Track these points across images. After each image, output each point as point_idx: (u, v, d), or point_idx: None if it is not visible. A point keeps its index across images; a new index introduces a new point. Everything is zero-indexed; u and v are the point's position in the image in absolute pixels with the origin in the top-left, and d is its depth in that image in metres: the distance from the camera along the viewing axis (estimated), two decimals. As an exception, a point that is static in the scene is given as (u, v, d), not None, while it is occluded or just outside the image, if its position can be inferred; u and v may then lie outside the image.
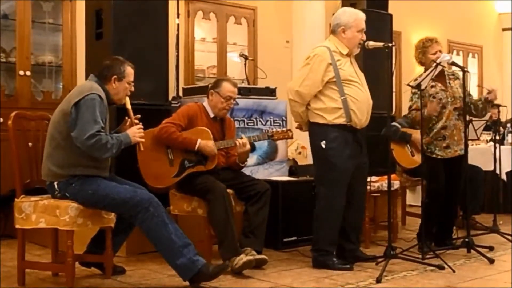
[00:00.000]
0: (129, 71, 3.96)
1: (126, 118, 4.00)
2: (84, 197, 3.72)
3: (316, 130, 4.38)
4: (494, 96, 4.89)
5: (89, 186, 3.73)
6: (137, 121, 3.95)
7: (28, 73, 5.99)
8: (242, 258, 4.11)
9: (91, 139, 3.61)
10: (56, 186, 3.77)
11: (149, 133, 4.44)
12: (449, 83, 4.92)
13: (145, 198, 3.72)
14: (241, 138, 4.54)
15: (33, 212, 3.78)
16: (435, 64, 4.65)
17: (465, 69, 4.79)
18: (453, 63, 4.77)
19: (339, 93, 4.30)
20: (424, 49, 4.98)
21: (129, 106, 3.98)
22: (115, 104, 4.00)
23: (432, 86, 4.89)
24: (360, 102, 4.36)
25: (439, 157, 4.88)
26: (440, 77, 4.88)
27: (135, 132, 3.87)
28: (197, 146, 4.40)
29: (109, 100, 3.88)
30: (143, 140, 3.92)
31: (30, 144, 4.03)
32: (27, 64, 6.02)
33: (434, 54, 4.89)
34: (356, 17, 4.44)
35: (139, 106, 4.80)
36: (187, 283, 3.74)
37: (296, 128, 4.70)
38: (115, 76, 3.89)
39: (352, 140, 4.37)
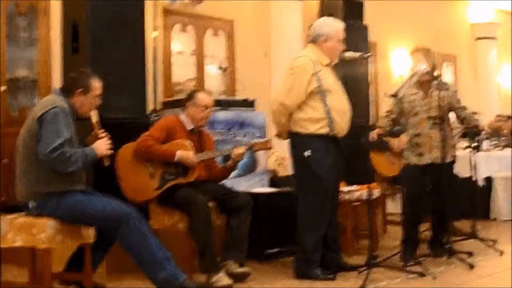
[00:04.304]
0: (95, 85, 3.89)
1: (93, 132, 3.92)
2: (62, 213, 3.66)
3: (298, 140, 4.37)
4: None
5: (66, 202, 3.67)
6: (103, 135, 3.87)
7: (3, 88, 5.91)
8: (222, 280, 4.09)
9: (54, 152, 3.55)
10: (31, 205, 3.70)
11: (128, 147, 4.41)
12: (431, 92, 4.90)
13: (125, 212, 3.68)
14: (237, 147, 4.53)
15: (9, 230, 3.70)
16: (411, 74, 4.72)
17: (440, 79, 4.86)
18: (429, 73, 4.81)
19: (322, 103, 4.31)
20: None
21: (94, 120, 3.90)
22: (81, 117, 3.91)
23: (413, 94, 4.92)
24: (342, 112, 4.39)
25: (412, 163, 4.90)
26: (425, 85, 4.91)
27: (101, 145, 3.80)
28: (176, 158, 4.38)
29: (74, 113, 3.82)
30: (110, 152, 3.84)
31: (5, 160, 3.98)
32: (2, 79, 5.94)
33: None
34: (337, 27, 4.48)
35: (117, 120, 4.79)
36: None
37: (275, 135, 4.68)
38: (79, 90, 3.83)
39: (333, 149, 4.38)
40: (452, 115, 5.10)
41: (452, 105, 4.97)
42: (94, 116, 3.92)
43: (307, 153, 4.30)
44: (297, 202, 4.43)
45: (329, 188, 4.35)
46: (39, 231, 3.61)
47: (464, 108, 5.03)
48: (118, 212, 3.67)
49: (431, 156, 4.87)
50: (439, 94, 4.82)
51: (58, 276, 3.95)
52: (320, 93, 4.31)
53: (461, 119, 5.07)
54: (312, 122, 4.33)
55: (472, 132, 5.31)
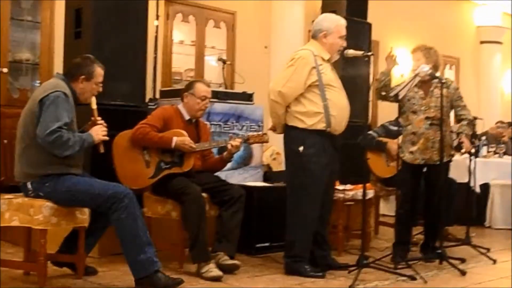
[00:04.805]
0: (98, 72, 3.92)
1: (92, 118, 3.96)
2: (58, 195, 3.70)
3: (294, 134, 4.34)
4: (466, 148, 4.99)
5: (63, 184, 3.71)
6: (101, 121, 3.90)
7: (5, 70, 5.92)
8: (212, 271, 4.11)
9: (52, 135, 3.58)
10: (29, 186, 3.75)
11: (125, 135, 4.43)
12: (432, 91, 4.90)
13: (121, 190, 3.74)
14: (234, 139, 4.53)
15: (6, 210, 3.74)
16: (413, 74, 4.71)
17: (443, 81, 4.83)
18: (431, 74, 4.79)
19: (321, 97, 4.29)
20: None
21: (94, 106, 3.93)
22: (81, 103, 3.94)
23: (412, 92, 4.86)
24: (340, 108, 4.37)
25: (404, 159, 4.89)
26: (426, 84, 4.88)
27: (97, 131, 3.84)
28: (173, 144, 4.38)
29: (75, 98, 3.85)
30: (106, 138, 3.88)
31: (5, 141, 4.00)
32: (4, 61, 5.95)
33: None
34: (337, 23, 4.46)
35: (116, 106, 4.80)
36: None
37: (269, 129, 4.68)
38: (83, 76, 3.86)
39: (329, 146, 4.36)
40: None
41: (452, 102, 4.93)
42: (94, 103, 3.94)
43: (301, 148, 4.28)
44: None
45: (322, 186, 4.33)
46: (36, 212, 3.66)
47: (463, 107, 4.97)
48: (114, 190, 3.72)
49: (424, 156, 4.85)
50: (439, 93, 4.80)
51: (51, 257, 3.99)
52: (319, 87, 4.30)
53: (458, 120, 5.03)
54: (309, 116, 4.30)
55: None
